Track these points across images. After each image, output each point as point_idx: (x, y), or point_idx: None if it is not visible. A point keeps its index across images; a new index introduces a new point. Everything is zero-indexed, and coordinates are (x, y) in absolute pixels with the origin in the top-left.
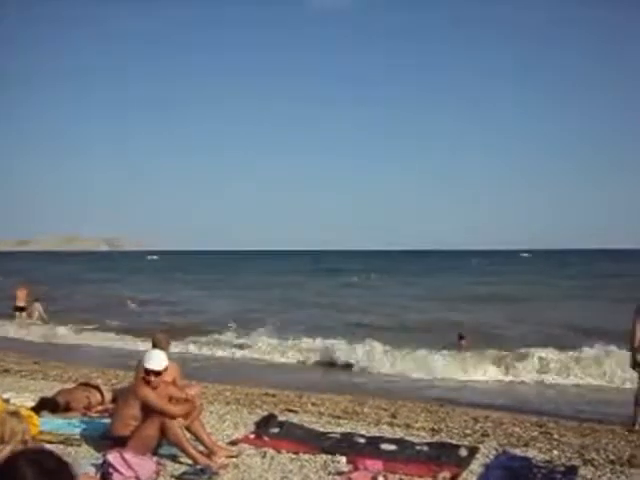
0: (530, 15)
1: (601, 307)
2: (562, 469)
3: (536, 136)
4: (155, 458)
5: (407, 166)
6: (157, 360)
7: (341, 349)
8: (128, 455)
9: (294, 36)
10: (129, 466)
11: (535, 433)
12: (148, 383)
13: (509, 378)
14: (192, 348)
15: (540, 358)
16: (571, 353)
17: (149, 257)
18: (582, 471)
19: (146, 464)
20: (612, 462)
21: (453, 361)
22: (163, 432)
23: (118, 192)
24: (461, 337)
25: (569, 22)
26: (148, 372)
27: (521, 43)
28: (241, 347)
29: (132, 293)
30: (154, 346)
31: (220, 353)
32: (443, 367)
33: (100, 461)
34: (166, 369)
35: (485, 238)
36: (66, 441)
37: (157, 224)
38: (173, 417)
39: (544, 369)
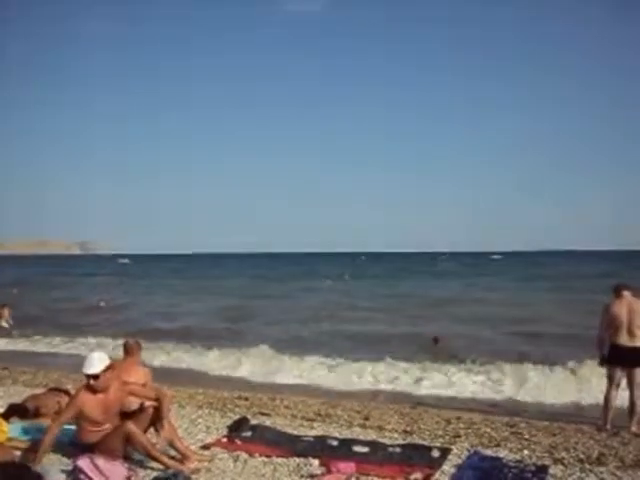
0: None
1: (565, 307)
2: (532, 468)
3: (506, 137)
4: (126, 464)
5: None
6: (92, 363)
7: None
8: (99, 461)
9: (267, 38)
10: (100, 472)
11: (506, 433)
12: (91, 388)
13: (480, 380)
14: (163, 352)
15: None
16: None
17: (120, 260)
18: (552, 470)
19: (117, 470)
20: (581, 461)
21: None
22: (128, 441)
23: (90, 196)
24: (436, 340)
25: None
26: (88, 377)
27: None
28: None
29: (103, 296)
30: (125, 352)
31: (189, 358)
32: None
33: (70, 467)
34: (108, 368)
35: (456, 239)
36: (35, 447)
37: (129, 228)
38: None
39: (515, 373)
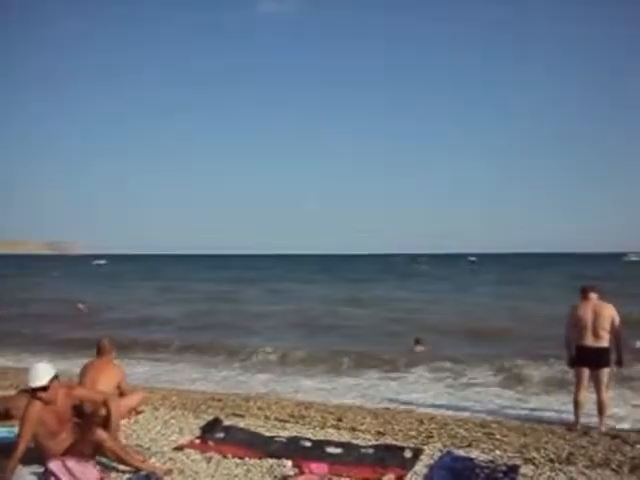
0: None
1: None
2: (504, 468)
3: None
4: (98, 466)
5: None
6: (38, 376)
7: None
8: (71, 463)
9: (242, 40)
10: (71, 474)
11: (478, 434)
12: (39, 399)
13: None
14: (137, 354)
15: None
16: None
17: (96, 262)
18: (523, 470)
19: (89, 472)
20: (551, 460)
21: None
22: (99, 448)
23: (65, 196)
24: (417, 342)
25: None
26: (35, 390)
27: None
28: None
29: (79, 298)
30: (98, 352)
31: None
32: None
33: (41, 469)
34: (54, 379)
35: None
36: (6, 450)
37: (105, 228)
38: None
39: (488, 375)
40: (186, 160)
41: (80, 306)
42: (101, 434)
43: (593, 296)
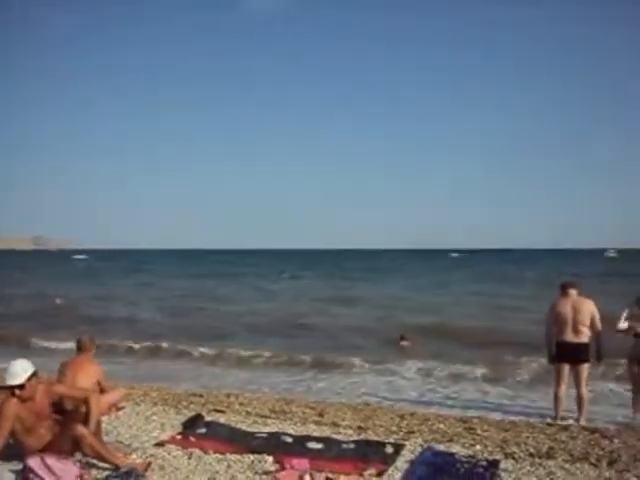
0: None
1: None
2: (484, 463)
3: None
4: (78, 462)
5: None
6: (16, 374)
7: None
8: (50, 459)
9: (230, 39)
10: (51, 471)
11: (459, 429)
12: (17, 397)
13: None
14: (117, 350)
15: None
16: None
17: (76, 256)
18: (503, 464)
19: (69, 468)
20: (531, 455)
21: None
22: (78, 445)
23: (45, 190)
24: (402, 338)
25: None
26: (13, 388)
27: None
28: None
29: (57, 293)
30: (78, 349)
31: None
32: None
33: (20, 467)
34: (33, 376)
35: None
36: None
37: (85, 223)
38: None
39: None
40: (186, 160)
41: (58, 301)
42: (81, 430)
43: (572, 292)
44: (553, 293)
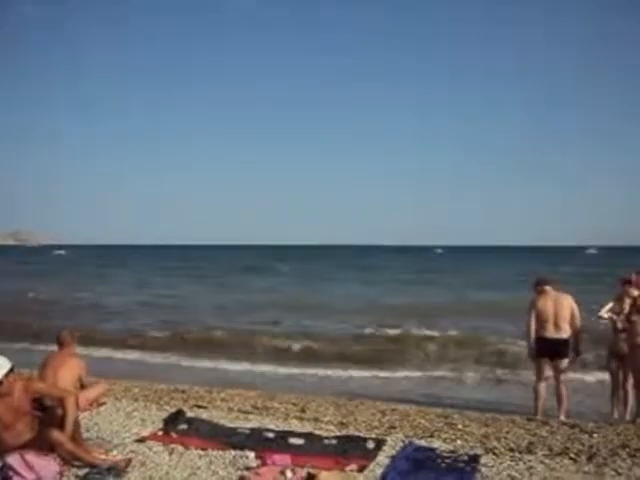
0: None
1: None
2: (465, 458)
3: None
4: (58, 459)
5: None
6: None
7: None
8: (29, 456)
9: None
10: (30, 468)
11: (440, 424)
12: None
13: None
14: (99, 345)
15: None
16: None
17: (56, 252)
18: (484, 459)
19: (49, 464)
20: (512, 450)
21: None
22: (54, 449)
23: (24, 184)
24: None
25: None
26: None
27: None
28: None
29: (33, 288)
30: (59, 344)
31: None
32: None
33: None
34: (10, 372)
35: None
36: None
37: (67, 218)
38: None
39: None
40: (186, 159)
41: (31, 295)
42: (57, 436)
43: (549, 289)
44: (519, 288)
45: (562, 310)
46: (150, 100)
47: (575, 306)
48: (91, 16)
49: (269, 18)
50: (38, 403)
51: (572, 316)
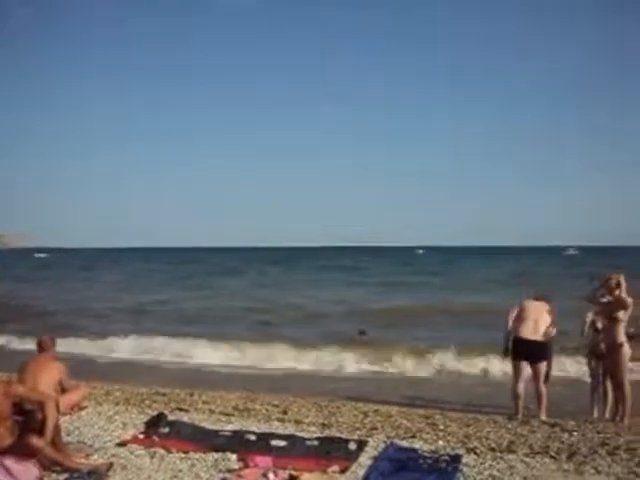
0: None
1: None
2: (447, 458)
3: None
4: (38, 464)
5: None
6: None
7: None
8: (9, 462)
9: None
10: (9, 473)
11: (422, 425)
12: None
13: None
14: (80, 348)
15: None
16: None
17: (37, 255)
18: (465, 459)
19: (28, 470)
20: (493, 449)
21: None
22: (34, 455)
23: (13, 186)
24: (362, 332)
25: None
26: None
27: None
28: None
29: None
30: (40, 348)
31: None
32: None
33: None
34: None
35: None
36: None
37: (47, 220)
38: None
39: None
40: (187, 158)
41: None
42: (36, 442)
43: (542, 301)
44: (510, 291)
45: (542, 314)
46: (150, 100)
47: (554, 321)
48: (91, 16)
49: (269, 18)
50: (18, 407)
51: (551, 321)
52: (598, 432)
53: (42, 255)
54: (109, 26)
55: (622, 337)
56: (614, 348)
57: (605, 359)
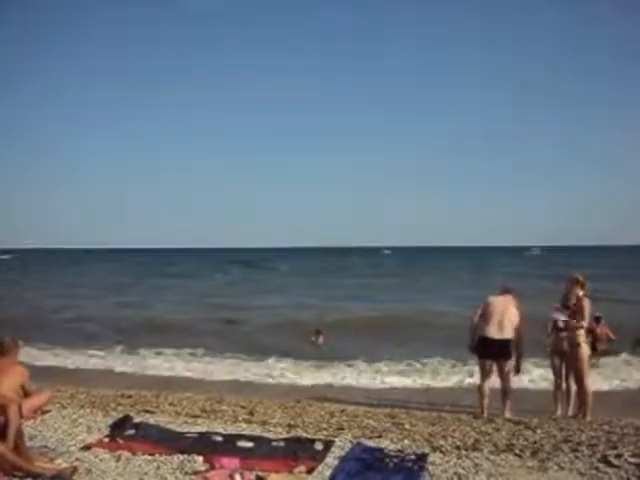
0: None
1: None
2: (413, 457)
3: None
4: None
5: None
6: None
7: None
8: None
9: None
10: None
11: (388, 424)
12: None
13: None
14: (42, 352)
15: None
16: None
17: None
18: (431, 457)
19: None
20: (458, 448)
21: None
22: None
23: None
24: (318, 332)
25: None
26: None
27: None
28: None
29: None
30: (1, 351)
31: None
32: None
33: None
34: None
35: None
36: None
37: (15, 219)
38: None
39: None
40: (185, 161)
41: None
42: None
43: (507, 295)
44: (480, 293)
45: (507, 312)
46: (150, 101)
47: (522, 318)
48: (91, 16)
49: (268, 20)
50: None
51: (518, 318)
52: (561, 429)
53: (5, 257)
54: (109, 26)
55: (582, 337)
56: (576, 346)
57: (567, 357)
